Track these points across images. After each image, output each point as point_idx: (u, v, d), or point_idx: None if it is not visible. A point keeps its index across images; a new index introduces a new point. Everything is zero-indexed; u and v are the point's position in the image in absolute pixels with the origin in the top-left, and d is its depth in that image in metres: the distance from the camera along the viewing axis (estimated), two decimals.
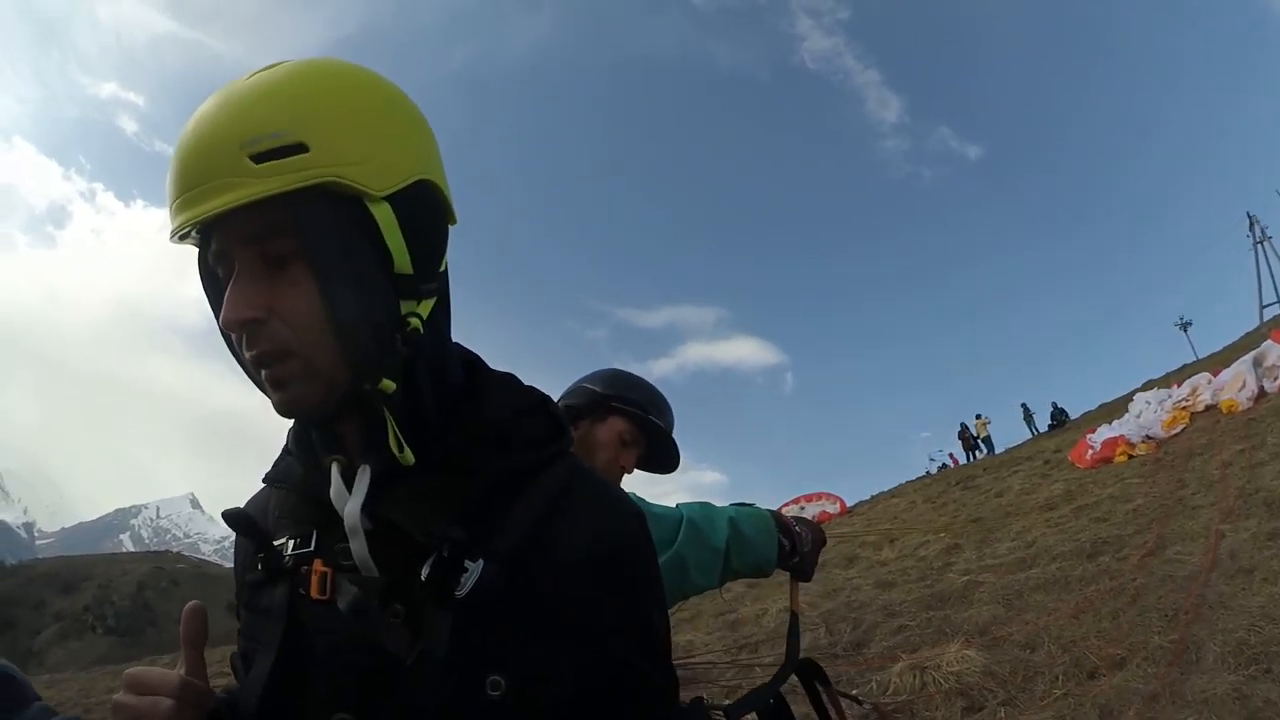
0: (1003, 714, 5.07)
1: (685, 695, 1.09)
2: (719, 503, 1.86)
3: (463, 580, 0.82)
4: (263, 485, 1.03)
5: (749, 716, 1.71)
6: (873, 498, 26.31)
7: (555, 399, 1.06)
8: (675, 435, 2.11)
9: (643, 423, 2.03)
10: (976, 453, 35.06)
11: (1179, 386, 17.43)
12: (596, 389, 2.03)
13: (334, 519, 0.86)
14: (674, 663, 1.00)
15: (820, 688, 1.90)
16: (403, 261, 0.86)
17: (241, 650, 0.96)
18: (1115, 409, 22.94)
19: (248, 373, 0.88)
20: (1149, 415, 16.43)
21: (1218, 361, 21.54)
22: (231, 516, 0.96)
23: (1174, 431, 14.83)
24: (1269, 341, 15.89)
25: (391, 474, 0.87)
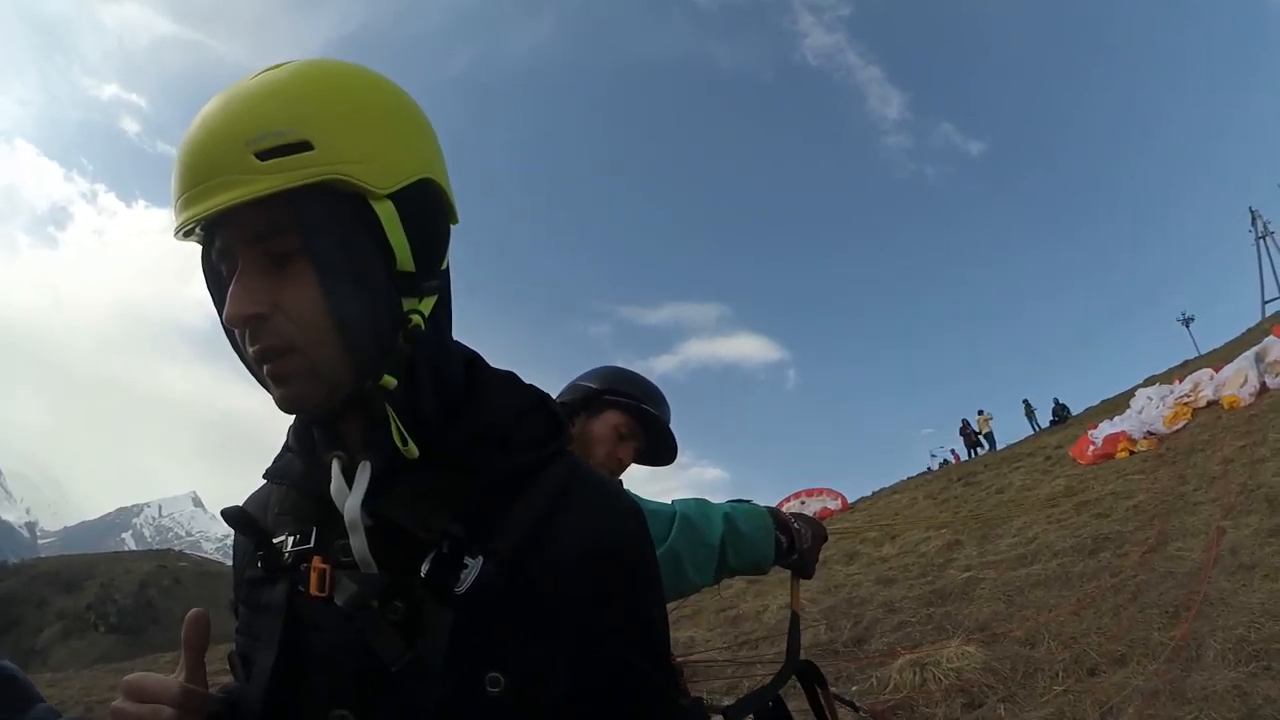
0: (1003, 710, 5.07)
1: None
2: (718, 499, 1.85)
3: (462, 577, 0.83)
4: (263, 482, 1.03)
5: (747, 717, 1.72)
6: (874, 494, 26.31)
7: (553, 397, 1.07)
8: (678, 429, 2.10)
9: (639, 414, 2.02)
10: (978, 449, 35.04)
11: (1181, 382, 17.41)
12: (591, 385, 2.03)
13: (334, 516, 0.86)
14: (675, 659, 1.01)
15: (819, 690, 1.90)
16: (405, 259, 0.87)
17: (239, 648, 0.96)
18: (1117, 405, 22.92)
19: (250, 369, 0.89)
20: (1151, 411, 16.41)
21: (1220, 357, 21.52)
22: (231, 514, 0.97)
23: (1176, 427, 14.82)
24: (1271, 337, 15.87)
25: (392, 471, 0.87)
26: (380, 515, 0.85)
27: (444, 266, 0.95)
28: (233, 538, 1.04)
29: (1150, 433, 14.95)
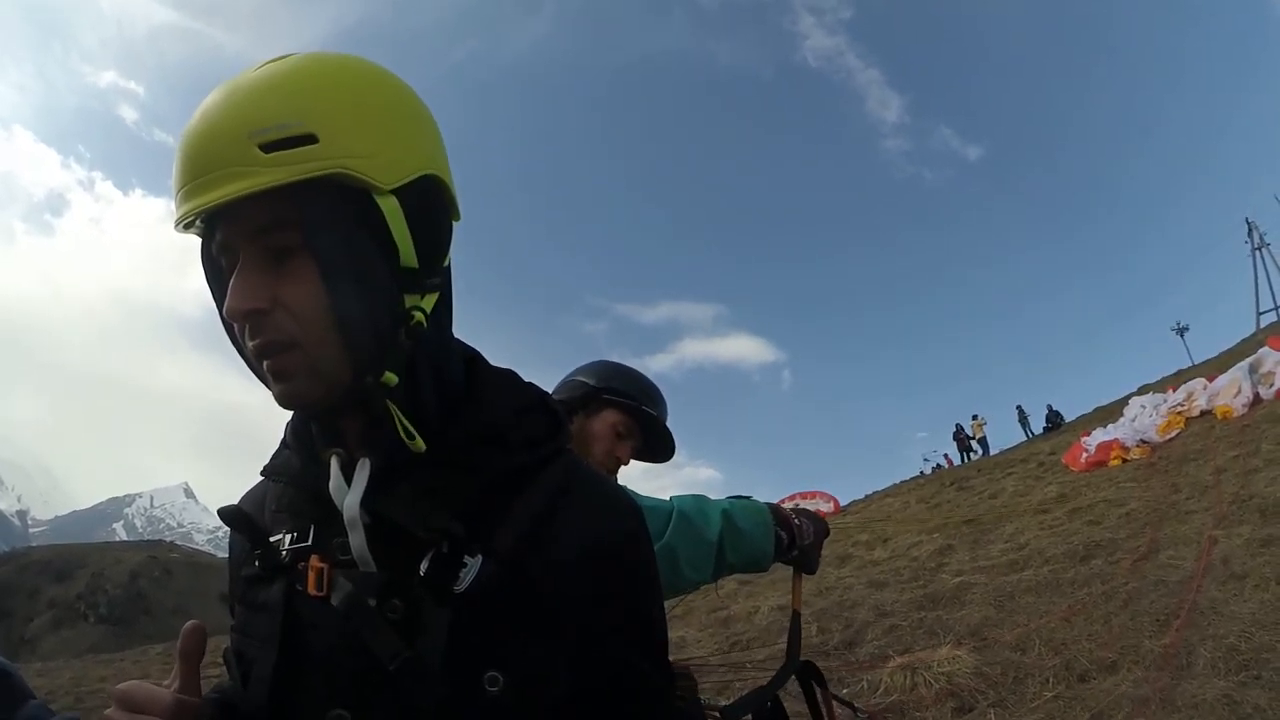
0: (993, 715, 5.08)
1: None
2: (714, 496, 1.85)
3: (461, 576, 0.82)
4: (260, 478, 1.03)
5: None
6: (867, 497, 26.34)
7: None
8: (673, 429, 2.10)
9: (636, 413, 2.02)
10: (971, 454, 35.08)
11: (1174, 391, 17.44)
12: (589, 381, 2.03)
13: (332, 514, 0.86)
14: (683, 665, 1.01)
15: (817, 690, 1.89)
16: (408, 255, 0.86)
17: (235, 645, 0.95)
18: (1111, 412, 22.97)
19: (249, 364, 0.89)
20: (1144, 419, 16.44)
21: (1214, 367, 21.56)
22: (227, 513, 0.96)
23: (1169, 436, 14.85)
24: (1265, 348, 15.91)
25: (391, 469, 0.87)
26: (379, 513, 0.85)
27: (446, 263, 0.94)
28: (226, 530, 1.03)
29: (1143, 441, 14.98)
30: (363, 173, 0.81)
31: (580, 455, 1.93)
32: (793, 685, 1.91)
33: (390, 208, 0.84)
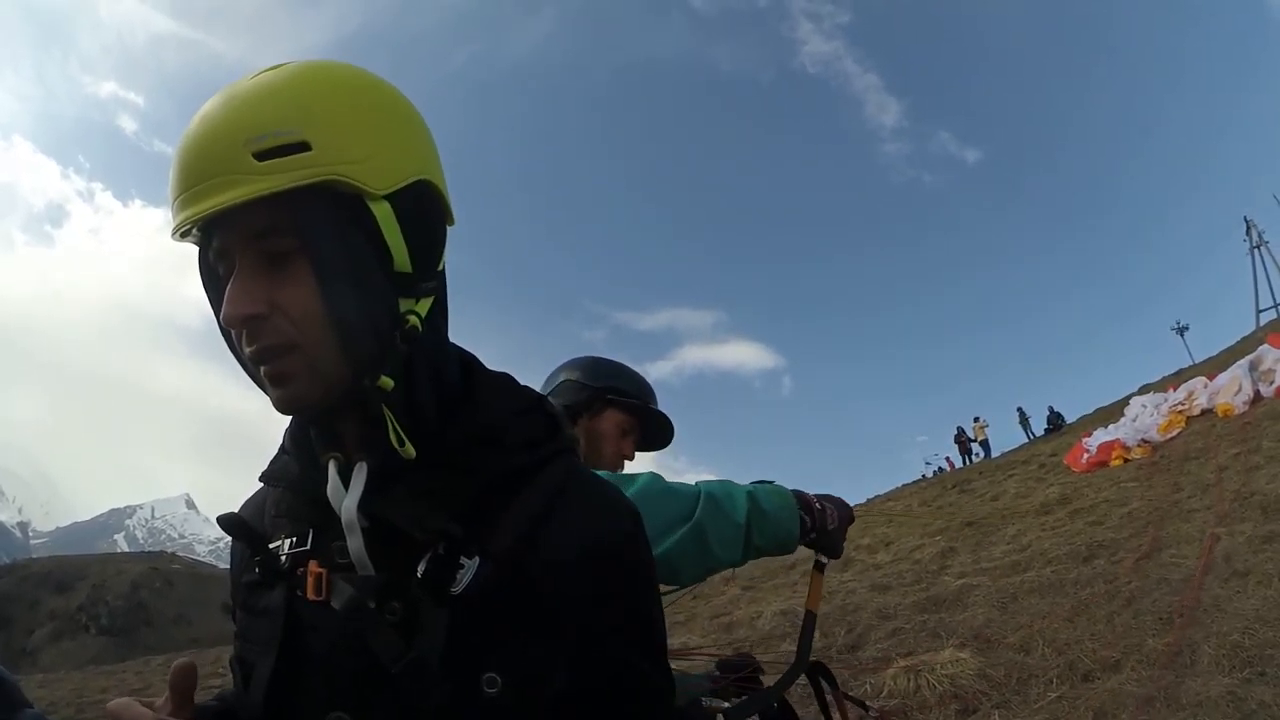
0: (997, 717, 5.07)
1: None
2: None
3: (458, 577, 0.83)
4: (259, 485, 1.04)
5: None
6: (868, 501, 26.34)
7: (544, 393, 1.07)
8: (675, 438, 2.14)
9: (637, 410, 2.07)
10: (972, 456, 35.05)
11: (1175, 390, 17.44)
12: (586, 382, 2.06)
13: (331, 518, 0.86)
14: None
15: (828, 689, 1.89)
16: (402, 259, 0.87)
17: (238, 652, 0.96)
18: (1111, 413, 22.97)
19: (247, 370, 0.89)
20: (1145, 419, 16.44)
21: (1214, 366, 21.56)
22: (226, 520, 0.97)
23: (1170, 435, 14.85)
24: (1265, 346, 15.91)
25: (389, 472, 0.87)
26: (377, 516, 0.85)
27: (440, 268, 0.95)
28: (227, 541, 1.04)
29: (1144, 440, 14.98)
30: (356, 179, 0.83)
31: (590, 456, 1.94)
32: (800, 689, 1.91)
33: (383, 213, 0.85)
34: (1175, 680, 4.67)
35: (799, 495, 1.84)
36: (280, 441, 1.02)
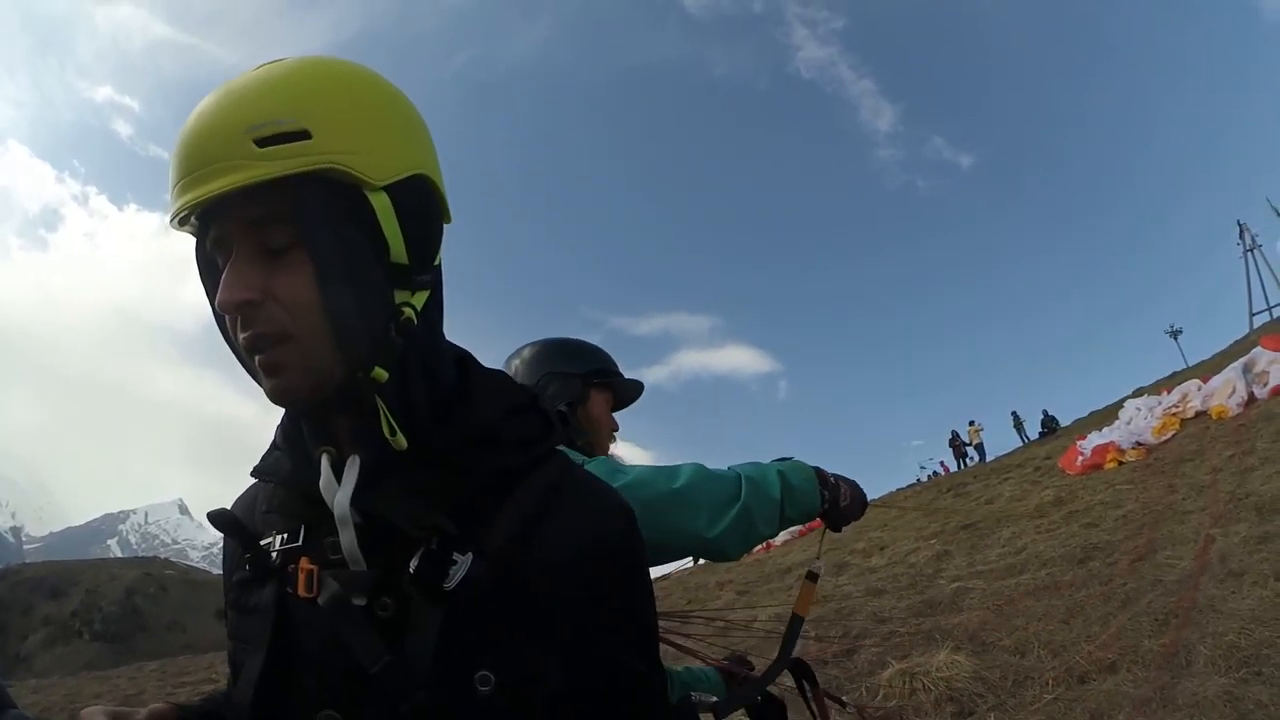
0: (993, 718, 5.07)
1: None
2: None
3: (451, 573, 0.82)
4: (251, 481, 1.03)
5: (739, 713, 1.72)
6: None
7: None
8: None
9: (614, 386, 2.10)
10: (967, 460, 35.11)
11: (1169, 393, 17.49)
12: (574, 372, 2.06)
13: (323, 513, 0.86)
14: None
15: (808, 688, 1.92)
16: (399, 251, 0.87)
17: (232, 652, 0.96)
18: (1106, 416, 23.02)
19: (240, 359, 0.89)
20: (1139, 422, 16.48)
21: (1208, 369, 21.63)
22: (216, 517, 0.97)
23: (1164, 438, 14.89)
24: (1258, 348, 15.97)
25: (382, 467, 0.87)
26: (370, 512, 0.85)
27: (437, 263, 0.95)
28: (220, 545, 1.04)
29: (1139, 443, 15.02)
30: (355, 168, 0.83)
31: (594, 443, 1.96)
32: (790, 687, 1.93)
33: (381, 204, 0.85)
34: (1171, 681, 4.68)
35: (817, 471, 1.91)
36: (272, 437, 1.02)
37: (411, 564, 0.83)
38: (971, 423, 36.41)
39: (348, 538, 0.84)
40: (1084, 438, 17.20)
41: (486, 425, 0.93)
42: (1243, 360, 15.75)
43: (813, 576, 2.03)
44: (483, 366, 1.03)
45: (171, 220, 0.86)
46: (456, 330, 1.01)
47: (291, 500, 0.95)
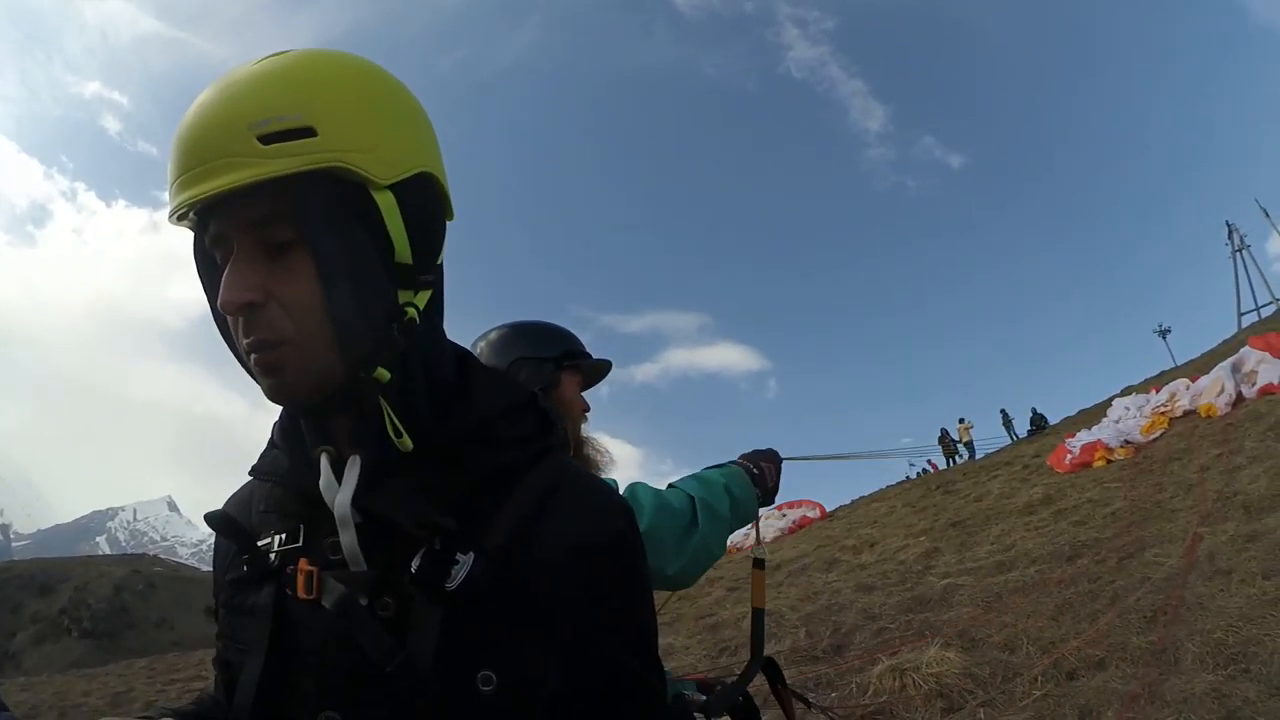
0: (982, 715, 5.10)
1: None
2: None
3: (453, 573, 0.81)
4: (248, 479, 1.02)
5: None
6: (853, 502, 26.42)
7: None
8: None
9: (582, 367, 2.06)
10: (956, 458, 35.17)
11: (1157, 392, 17.57)
12: (545, 355, 2.00)
13: (321, 513, 0.85)
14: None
15: (778, 687, 1.94)
16: (403, 250, 0.86)
17: (221, 652, 0.95)
18: (1094, 415, 23.10)
19: (239, 359, 0.88)
20: (1128, 421, 16.54)
21: (1196, 368, 21.73)
22: (214, 519, 0.95)
23: (1152, 437, 14.95)
24: (1246, 348, 16.04)
25: (381, 466, 0.86)
26: (369, 511, 0.84)
27: (439, 261, 0.94)
28: (210, 543, 1.03)
29: (1127, 441, 15.08)
30: (360, 167, 0.81)
31: (568, 424, 1.95)
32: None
33: (387, 203, 0.84)
34: (1159, 678, 4.71)
35: (746, 470, 1.94)
36: (270, 435, 1.01)
37: (413, 563, 0.82)
38: (961, 420, 36.49)
39: (348, 538, 0.83)
40: (1073, 435, 17.26)
41: (485, 423, 0.92)
42: (1231, 359, 15.82)
43: (759, 564, 2.03)
44: (483, 365, 1.01)
45: (171, 215, 0.84)
46: (457, 328, 1.03)
47: (288, 500, 0.93)
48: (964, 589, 8.52)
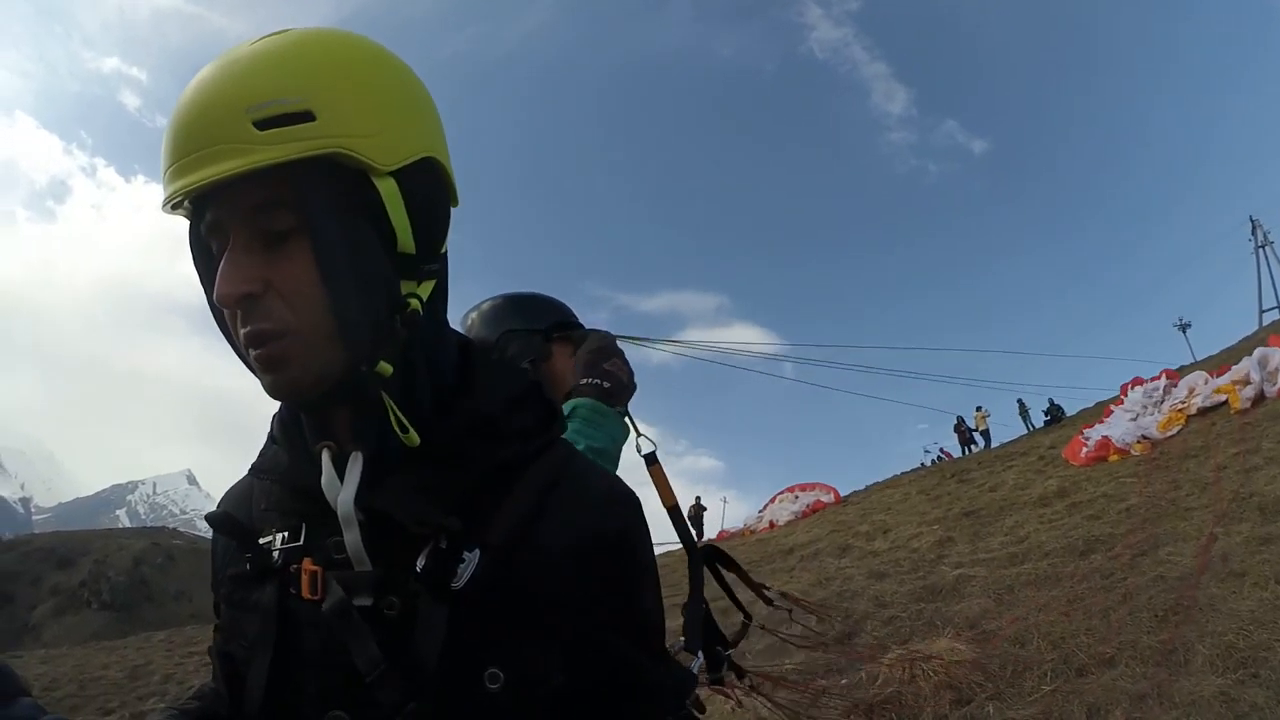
0: (991, 708, 5.09)
1: None
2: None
3: (459, 571, 0.80)
4: (245, 475, 1.00)
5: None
6: (867, 488, 26.34)
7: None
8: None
9: (575, 338, 2.03)
10: (971, 446, 34.97)
11: (1168, 379, 17.43)
12: (535, 327, 1.99)
13: (323, 510, 0.84)
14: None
15: (722, 571, 1.89)
16: (406, 240, 0.84)
17: (220, 645, 0.94)
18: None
19: (238, 352, 0.86)
20: (1145, 416, 16.39)
21: (1215, 364, 21.50)
22: (215, 519, 0.94)
23: (1169, 433, 14.81)
24: (1267, 347, 15.83)
25: (383, 463, 0.85)
26: (372, 509, 0.83)
27: (443, 250, 0.92)
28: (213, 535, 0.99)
29: (1144, 437, 14.94)
30: (362, 153, 0.79)
31: (555, 394, 1.94)
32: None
33: (389, 190, 0.81)
34: (1169, 678, 4.69)
35: (595, 389, 1.82)
36: (269, 430, 1.00)
37: (418, 562, 0.81)
38: (978, 408, 36.22)
39: (352, 538, 0.82)
40: (1090, 427, 17.13)
41: (487, 417, 0.90)
42: (1259, 352, 15.57)
43: (651, 458, 1.86)
44: (487, 356, 0.99)
45: (164, 204, 0.82)
46: (454, 310, 0.98)
47: (290, 497, 0.91)
48: (976, 580, 8.49)
